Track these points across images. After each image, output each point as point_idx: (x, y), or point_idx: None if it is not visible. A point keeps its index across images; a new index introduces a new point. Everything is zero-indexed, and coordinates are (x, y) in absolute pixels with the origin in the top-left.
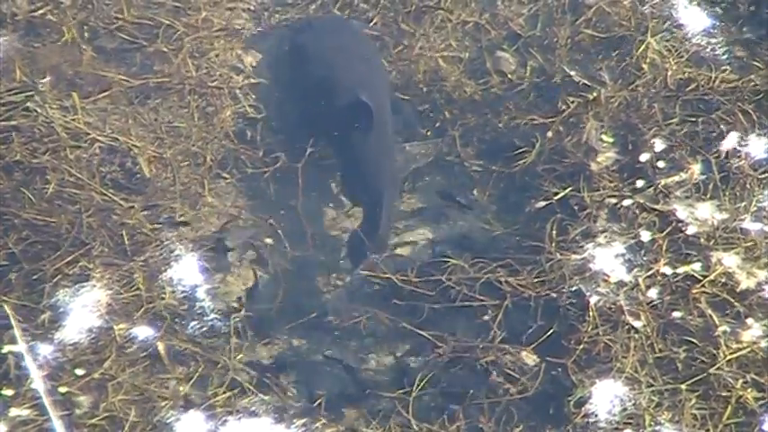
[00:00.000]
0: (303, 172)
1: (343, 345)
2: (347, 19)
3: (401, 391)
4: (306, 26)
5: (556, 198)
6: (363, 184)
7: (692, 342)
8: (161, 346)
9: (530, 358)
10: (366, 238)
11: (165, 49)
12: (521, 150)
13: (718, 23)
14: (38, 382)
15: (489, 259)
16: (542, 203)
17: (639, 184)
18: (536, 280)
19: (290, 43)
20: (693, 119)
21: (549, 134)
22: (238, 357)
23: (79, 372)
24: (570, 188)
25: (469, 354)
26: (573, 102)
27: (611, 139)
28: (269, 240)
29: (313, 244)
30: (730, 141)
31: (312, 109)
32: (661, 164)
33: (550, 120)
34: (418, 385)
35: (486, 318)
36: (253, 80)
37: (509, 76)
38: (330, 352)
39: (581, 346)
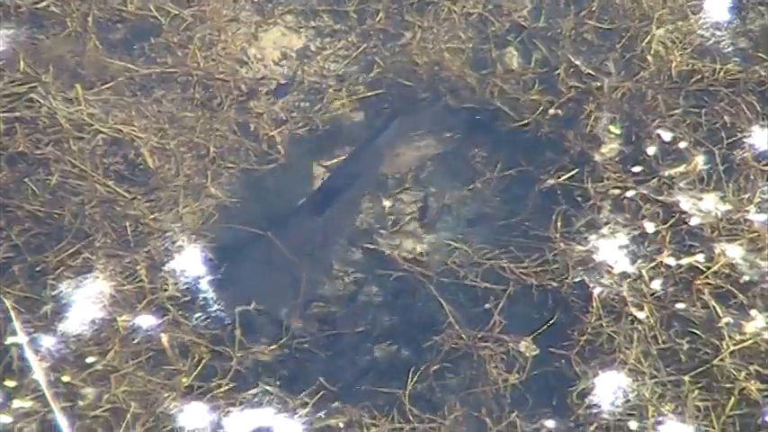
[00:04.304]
0: None
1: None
2: None
3: (402, 380)
4: None
5: (562, 179)
6: None
7: (696, 333)
8: (164, 338)
9: (531, 349)
10: None
11: (174, 40)
12: (525, 138)
13: (723, 15)
14: (38, 374)
15: (493, 246)
16: (550, 182)
17: (643, 175)
18: (539, 269)
19: None
20: (697, 110)
21: (552, 116)
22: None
23: (90, 360)
24: (575, 171)
25: (469, 342)
26: (576, 91)
27: (618, 131)
28: None
29: None
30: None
31: None
32: (665, 155)
33: (555, 109)
34: (417, 375)
35: (487, 306)
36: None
37: (513, 68)
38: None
39: (584, 338)
